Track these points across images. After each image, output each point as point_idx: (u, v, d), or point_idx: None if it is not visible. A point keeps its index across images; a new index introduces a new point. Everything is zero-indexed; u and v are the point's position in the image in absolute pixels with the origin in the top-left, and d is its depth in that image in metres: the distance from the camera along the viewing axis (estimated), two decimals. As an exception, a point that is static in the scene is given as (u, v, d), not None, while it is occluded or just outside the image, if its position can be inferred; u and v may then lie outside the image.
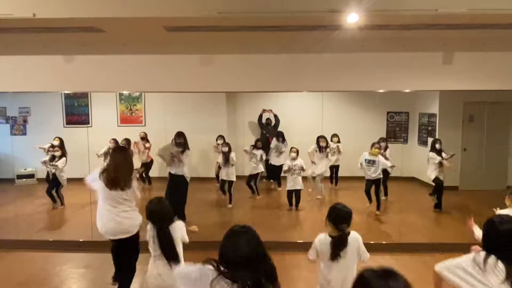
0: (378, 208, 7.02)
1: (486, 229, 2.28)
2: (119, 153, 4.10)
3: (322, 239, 3.02)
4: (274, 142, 8.95)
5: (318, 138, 7.90)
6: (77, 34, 4.50)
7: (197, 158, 9.39)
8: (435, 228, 6.55)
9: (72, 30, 4.32)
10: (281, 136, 8.94)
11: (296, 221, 6.88)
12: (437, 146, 7.14)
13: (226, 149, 7.38)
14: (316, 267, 3.16)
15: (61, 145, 7.50)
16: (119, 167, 3.86)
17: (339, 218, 2.98)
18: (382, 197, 7.86)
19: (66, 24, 4.04)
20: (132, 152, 7.83)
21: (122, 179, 3.84)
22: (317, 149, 7.90)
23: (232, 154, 7.41)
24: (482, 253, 2.17)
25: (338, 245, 2.93)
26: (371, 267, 1.51)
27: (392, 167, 7.12)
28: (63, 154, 7.43)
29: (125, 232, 3.93)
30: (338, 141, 8.54)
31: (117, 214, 3.88)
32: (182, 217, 6.51)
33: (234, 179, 7.46)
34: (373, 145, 7.11)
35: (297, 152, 7.26)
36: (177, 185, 6.51)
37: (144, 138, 8.99)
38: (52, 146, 7.65)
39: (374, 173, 6.96)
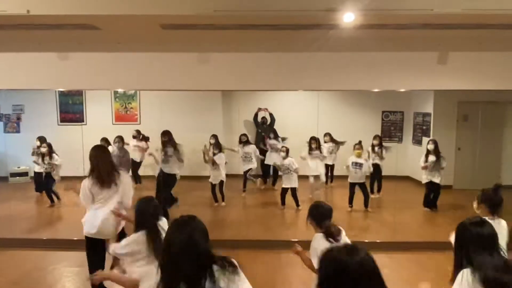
0: (366, 205, 7.09)
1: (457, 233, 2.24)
2: (95, 151, 3.96)
3: (319, 238, 3.03)
4: (269, 141, 8.94)
5: (310, 139, 7.91)
6: (72, 31, 4.46)
7: (192, 157, 9.36)
8: (429, 226, 6.59)
9: (67, 28, 4.28)
10: (273, 133, 8.97)
11: (290, 219, 6.89)
12: (428, 146, 7.19)
13: (216, 151, 7.34)
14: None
15: (45, 143, 7.51)
16: (99, 164, 3.79)
17: (322, 216, 3.06)
18: (376, 195, 7.90)
19: (60, 21, 4.00)
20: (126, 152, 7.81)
21: (105, 176, 3.75)
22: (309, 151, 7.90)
23: (220, 156, 7.36)
24: (466, 271, 2.08)
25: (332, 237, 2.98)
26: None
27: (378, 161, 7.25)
28: (51, 150, 7.41)
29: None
30: (331, 140, 8.54)
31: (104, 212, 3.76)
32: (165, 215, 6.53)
33: (223, 179, 7.43)
34: (354, 146, 7.14)
35: (287, 151, 7.24)
36: (166, 183, 6.59)
37: (137, 137, 8.82)
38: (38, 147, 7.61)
39: (360, 178, 7.04)
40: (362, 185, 7.11)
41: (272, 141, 8.88)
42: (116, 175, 3.81)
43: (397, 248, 5.51)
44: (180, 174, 7.03)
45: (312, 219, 3.13)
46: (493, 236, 2.15)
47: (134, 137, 8.82)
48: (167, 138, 6.65)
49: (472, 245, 2.11)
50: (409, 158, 9.53)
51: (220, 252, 1.90)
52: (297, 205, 7.23)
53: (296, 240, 5.76)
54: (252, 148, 8.33)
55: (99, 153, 3.94)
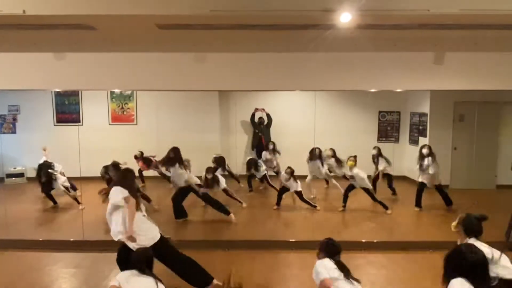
0: (385, 208, 7.03)
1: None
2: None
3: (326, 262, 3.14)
4: (265, 155, 8.89)
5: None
6: (68, 31, 4.44)
7: (189, 157, 9.36)
8: (426, 226, 6.60)
9: (63, 28, 4.27)
10: (273, 145, 8.91)
11: (288, 220, 6.88)
12: (424, 151, 7.22)
13: (210, 176, 6.95)
14: (306, 264, 3.19)
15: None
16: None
17: (333, 253, 3.21)
18: (393, 196, 7.86)
19: (56, 21, 3.99)
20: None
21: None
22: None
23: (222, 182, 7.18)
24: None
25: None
26: None
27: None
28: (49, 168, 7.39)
29: None
30: (333, 156, 8.29)
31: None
32: (182, 213, 6.58)
33: (224, 186, 7.26)
34: (348, 158, 7.12)
35: (291, 173, 7.11)
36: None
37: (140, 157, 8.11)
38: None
39: (359, 185, 7.06)
40: (364, 189, 7.11)
41: (269, 156, 8.81)
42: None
43: (394, 248, 5.52)
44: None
45: (324, 254, 3.20)
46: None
47: (136, 157, 8.16)
48: (172, 155, 6.68)
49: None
50: (405, 158, 9.56)
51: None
52: (312, 205, 7.15)
53: (294, 240, 5.82)
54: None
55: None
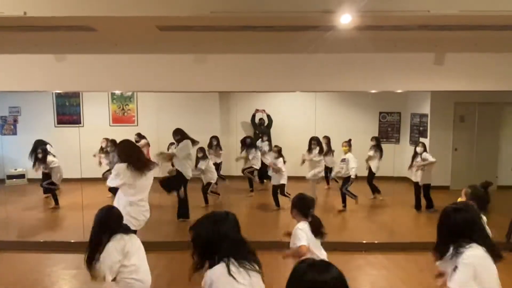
0: (343, 202, 7.18)
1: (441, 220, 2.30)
2: (127, 142, 4.36)
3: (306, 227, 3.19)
4: (259, 143, 9.02)
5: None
6: (69, 33, 4.46)
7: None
8: (426, 227, 6.60)
9: (63, 29, 4.28)
10: (267, 138, 9.05)
11: (288, 220, 6.88)
12: (418, 149, 7.24)
13: (201, 154, 7.39)
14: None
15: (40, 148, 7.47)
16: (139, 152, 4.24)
17: (306, 206, 3.26)
18: (380, 198, 7.87)
19: (57, 22, 4.00)
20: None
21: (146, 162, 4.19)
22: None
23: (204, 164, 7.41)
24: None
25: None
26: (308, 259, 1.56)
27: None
28: (45, 154, 7.39)
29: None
30: (326, 143, 8.41)
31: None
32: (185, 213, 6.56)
33: (212, 180, 7.47)
34: (342, 144, 7.38)
35: (278, 151, 7.27)
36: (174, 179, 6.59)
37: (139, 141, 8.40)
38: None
39: (344, 171, 7.16)
40: (345, 180, 7.18)
41: (260, 144, 8.99)
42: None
43: (394, 248, 5.51)
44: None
45: (297, 210, 3.20)
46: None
47: (136, 142, 8.27)
48: (179, 137, 6.56)
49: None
50: (406, 159, 9.53)
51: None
52: (277, 204, 7.21)
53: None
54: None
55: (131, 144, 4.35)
